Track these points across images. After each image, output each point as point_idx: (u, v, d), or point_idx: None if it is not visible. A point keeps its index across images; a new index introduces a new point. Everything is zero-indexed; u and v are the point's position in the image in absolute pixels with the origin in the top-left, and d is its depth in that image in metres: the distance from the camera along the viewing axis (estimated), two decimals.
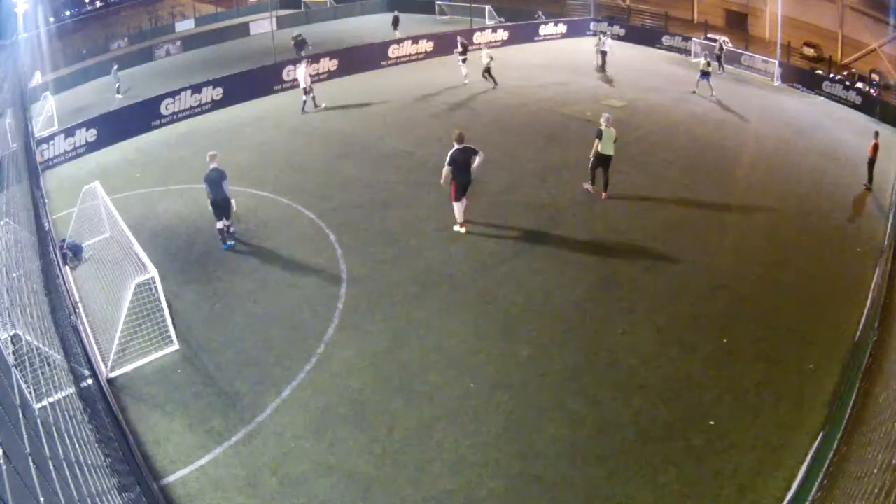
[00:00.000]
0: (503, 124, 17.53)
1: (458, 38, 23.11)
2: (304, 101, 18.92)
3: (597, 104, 18.59)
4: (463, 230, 11.31)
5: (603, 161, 12.44)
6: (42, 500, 2.55)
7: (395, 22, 31.76)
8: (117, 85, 24.36)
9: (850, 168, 14.59)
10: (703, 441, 6.79)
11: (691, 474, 6.38)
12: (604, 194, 12.70)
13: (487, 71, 21.01)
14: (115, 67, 24.98)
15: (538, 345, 8.41)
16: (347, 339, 8.62)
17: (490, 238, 11.23)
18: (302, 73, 19.06)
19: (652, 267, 10.29)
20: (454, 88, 21.24)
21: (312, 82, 19.26)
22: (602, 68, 23.91)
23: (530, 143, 15.91)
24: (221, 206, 10.75)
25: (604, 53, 23.90)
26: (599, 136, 12.19)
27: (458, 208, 11.25)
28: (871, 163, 13.39)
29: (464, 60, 21.75)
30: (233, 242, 11.14)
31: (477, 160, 10.75)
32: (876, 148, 13.29)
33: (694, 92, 20.45)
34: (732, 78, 23.52)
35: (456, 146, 10.78)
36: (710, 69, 20.42)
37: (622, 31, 29.69)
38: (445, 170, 10.84)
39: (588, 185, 12.96)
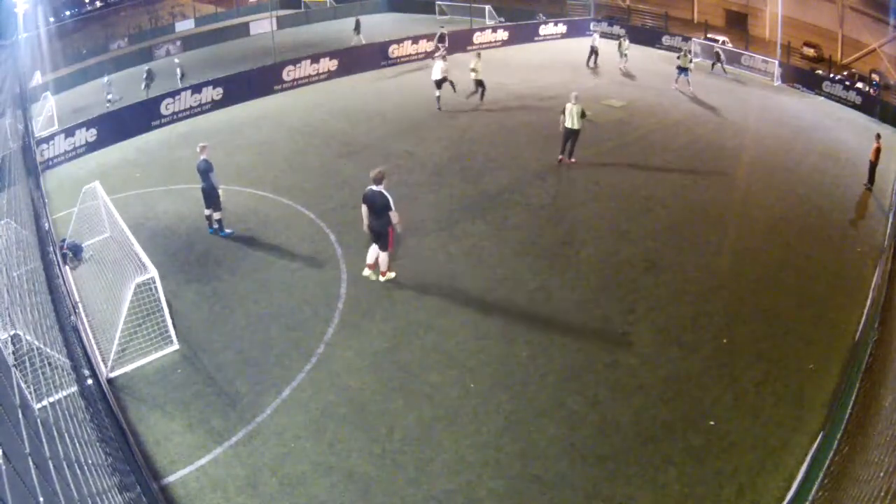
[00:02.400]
0: (504, 124, 17.53)
1: (439, 34, 23.37)
2: (439, 97, 18.83)
3: (597, 104, 18.57)
4: (365, 272, 9.88)
5: (569, 134, 14.07)
6: (42, 500, 2.55)
7: (357, 26, 29.67)
8: (109, 92, 24.00)
9: (850, 168, 14.60)
10: (703, 441, 6.80)
11: (691, 474, 6.38)
12: (568, 160, 14.30)
13: (447, 81, 18.80)
14: (108, 80, 24.27)
15: (538, 345, 8.41)
16: (347, 339, 8.62)
17: (490, 238, 11.23)
18: (440, 67, 18.67)
19: (652, 267, 10.29)
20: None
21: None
22: (590, 64, 24.10)
23: (530, 143, 15.91)
24: (209, 195, 11.26)
25: (593, 49, 24.08)
26: (564, 112, 13.93)
27: (370, 253, 9.76)
28: (873, 166, 13.36)
29: (443, 58, 20.02)
30: (230, 231, 11.57)
31: (392, 218, 9.08)
32: (878, 151, 13.24)
33: (687, 93, 20.43)
34: (732, 78, 23.53)
35: (372, 187, 9.09)
36: (690, 65, 20.55)
37: (622, 31, 29.67)
38: (362, 209, 9.28)
39: (562, 157, 14.50)
